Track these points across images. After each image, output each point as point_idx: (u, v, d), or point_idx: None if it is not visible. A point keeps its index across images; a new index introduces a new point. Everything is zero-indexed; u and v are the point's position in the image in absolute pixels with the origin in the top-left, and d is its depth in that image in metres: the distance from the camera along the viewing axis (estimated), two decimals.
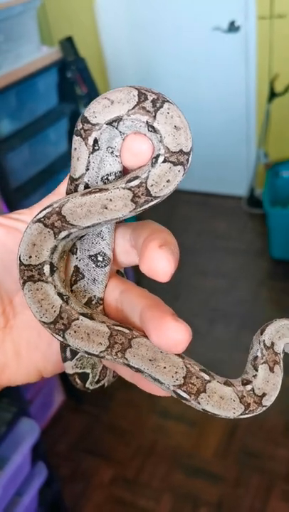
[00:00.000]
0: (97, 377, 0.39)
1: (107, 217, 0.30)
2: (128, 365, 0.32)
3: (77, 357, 0.37)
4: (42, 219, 0.31)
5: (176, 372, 0.32)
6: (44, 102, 2.05)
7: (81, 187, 0.32)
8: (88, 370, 0.38)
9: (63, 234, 0.31)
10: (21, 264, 0.31)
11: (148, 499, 1.94)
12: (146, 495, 1.96)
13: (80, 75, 1.85)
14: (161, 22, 3.21)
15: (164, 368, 0.32)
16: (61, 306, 0.32)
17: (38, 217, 0.31)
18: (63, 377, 2.30)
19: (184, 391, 0.32)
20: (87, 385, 0.39)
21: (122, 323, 0.33)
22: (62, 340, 0.32)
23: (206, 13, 3.06)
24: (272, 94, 3.01)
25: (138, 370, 0.32)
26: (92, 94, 1.85)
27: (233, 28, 2.99)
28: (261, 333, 0.36)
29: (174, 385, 0.32)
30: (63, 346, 0.37)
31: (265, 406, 0.34)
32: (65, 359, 0.37)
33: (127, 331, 0.32)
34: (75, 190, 0.32)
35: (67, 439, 2.22)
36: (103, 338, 0.32)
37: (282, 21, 2.87)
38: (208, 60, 3.20)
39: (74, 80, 1.88)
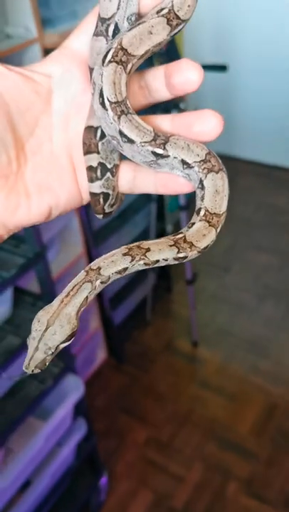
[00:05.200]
0: (113, 200, 0.43)
1: (153, 41, 0.36)
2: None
3: (105, 177, 0.41)
4: (112, 59, 0.35)
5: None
6: None
7: (112, 27, 0.37)
8: (110, 191, 0.42)
9: (129, 67, 0.36)
10: (111, 103, 0.35)
11: (179, 465, 1.97)
12: (178, 460, 1.98)
13: None
14: None
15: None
16: (154, 129, 0.37)
17: (108, 59, 0.35)
18: (108, 334, 2.32)
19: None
20: (106, 206, 0.43)
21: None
22: (162, 152, 0.37)
23: None
24: None
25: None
26: (172, 52, 1.77)
27: None
28: None
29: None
30: (94, 168, 0.41)
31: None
32: (95, 179, 0.41)
33: None
34: (106, 31, 0.37)
35: (106, 395, 2.26)
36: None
37: None
38: None
39: None
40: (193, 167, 0.37)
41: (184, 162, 0.37)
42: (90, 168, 0.41)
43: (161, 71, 0.38)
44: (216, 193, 0.39)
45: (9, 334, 1.34)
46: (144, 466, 1.99)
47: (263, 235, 3.01)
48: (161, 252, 0.38)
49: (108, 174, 0.41)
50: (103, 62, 0.35)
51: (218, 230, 0.39)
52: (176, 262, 0.39)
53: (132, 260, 0.38)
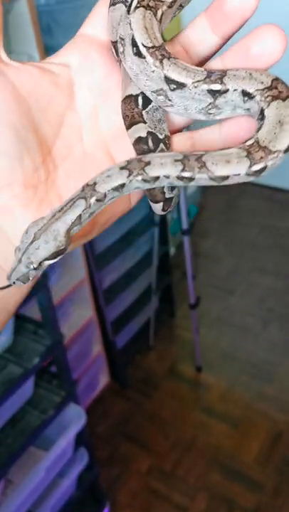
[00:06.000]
0: None
1: None
2: None
3: (158, 149, 0.34)
4: (138, 4, 0.31)
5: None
6: None
7: None
8: None
9: (159, 14, 0.31)
10: (148, 48, 0.30)
11: (183, 495, 1.92)
12: (182, 490, 1.94)
13: None
14: None
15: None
16: (205, 69, 0.32)
17: (134, 5, 0.31)
18: (110, 358, 2.29)
19: None
20: (165, 189, 0.36)
21: None
22: (220, 87, 0.31)
23: None
24: None
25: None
26: None
27: None
28: None
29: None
30: (144, 138, 0.34)
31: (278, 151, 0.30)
32: (147, 151, 0.34)
33: None
34: None
35: (108, 422, 2.22)
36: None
37: None
38: None
39: None
40: (254, 96, 0.31)
41: (244, 93, 0.31)
42: (138, 140, 0.34)
43: (200, 19, 0.32)
44: (277, 124, 0.30)
45: (10, 363, 1.32)
46: (147, 495, 1.94)
47: (267, 257, 2.99)
48: (162, 166, 0.32)
49: (162, 145, 0.34)
50: (128, 11, 0.31)
51: (257, 168, 0.30)
52: (181, 183, 0.32)
53: (130, 175, 0.32)
